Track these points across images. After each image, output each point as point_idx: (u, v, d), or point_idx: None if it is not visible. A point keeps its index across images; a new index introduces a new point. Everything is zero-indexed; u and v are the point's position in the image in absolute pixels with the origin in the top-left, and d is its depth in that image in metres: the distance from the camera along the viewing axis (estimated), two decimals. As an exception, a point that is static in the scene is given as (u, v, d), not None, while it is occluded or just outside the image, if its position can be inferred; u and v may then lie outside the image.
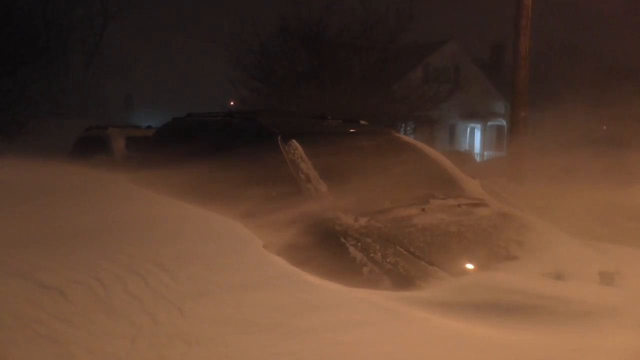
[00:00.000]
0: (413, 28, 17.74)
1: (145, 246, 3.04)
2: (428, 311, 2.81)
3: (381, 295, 3.00)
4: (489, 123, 29.06)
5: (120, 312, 2.46)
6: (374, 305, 2.78)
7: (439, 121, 20.22)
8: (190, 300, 2.59)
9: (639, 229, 5.96)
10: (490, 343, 2.48)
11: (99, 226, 3.36)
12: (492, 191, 4.81)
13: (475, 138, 29.68)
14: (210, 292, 2.69)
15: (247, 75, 18.39)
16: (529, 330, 2.65)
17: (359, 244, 3.55)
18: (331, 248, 3.55)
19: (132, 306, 2.51)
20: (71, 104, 22.78)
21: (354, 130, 5.29)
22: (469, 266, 3.57)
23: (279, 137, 4.39)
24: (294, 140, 4.35)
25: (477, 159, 24.03)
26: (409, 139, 5.76)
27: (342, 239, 3.59)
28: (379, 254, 3.48)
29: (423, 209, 4.03)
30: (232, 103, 22.63)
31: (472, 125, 29.38)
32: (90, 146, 8.95)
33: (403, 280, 3.33)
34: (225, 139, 4.90)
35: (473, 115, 27.12)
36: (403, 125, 18.73)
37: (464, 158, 16.31)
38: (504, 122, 26.26)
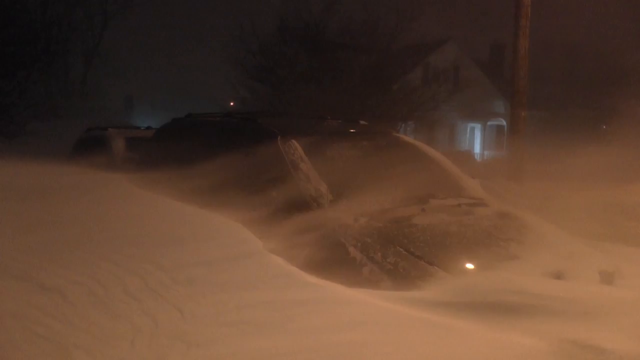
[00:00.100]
0: (413, 28, 17.75)
1: (144, 247, 3.04)
2: (428, 311, 2.81)
3: (381, 295, 3.00)
4: (489, 123, 29.08)
5: (120, 313, 2.46)
6: (374, 306, 2.78)
7: (439, 121, 20.23)
8: (190, 301, 2.59)
9: (639, 228, 5.95)
10: (491, 343, 2.48)
11: (98, 227, 3.36)
12: (492, 191, 4.81)
13: (475, 138, 29.70)
14: (210, 292, 2.69)
15: (247, 76, 18.40)
16: (528, 330, 2.65)
17: (359, 244, 3.55)
18: (331, 248, 3.55)
19: (132, 307, 2.50)
20: (71, 104, 22.78)
21: (354, 131, 5.29)
22: (469, 266, 3.57)
23: (279, 138, 4.39)
24: (293, 141, 4.35)
25: (477, 158, 24.03)
26: (409, 139, 5.75)
27: (342, 239, 3.59)
28: (379, 254, 3.47)
29: (423, 209, 4.03)
30: (231, 104, 22.62)
31: (472, 125, 29.40)
32: (90, 147, 8.94)
33: (403, 280, 3.33)
34: (225, 140, 4.90)
35: (473, 115, 27.13)
36: (403, 125, 18.73)
37: (464, 158, 16.31)
38: (503, 122, 26.29)
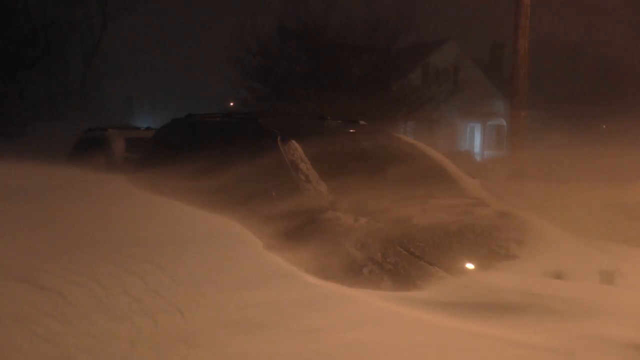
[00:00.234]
0: (413, 28, 17.74)
1: (144, 247, 3.04)
2: (428, 311, 2.81)
3: (381, 295, 3.00)
4: (489, 122, 29.06)
5: (120, 313, 2.46)
6: (374, 306, 2.78)
7: (439, 121, 20.21)
8: (190, 301, 2.59)
9: (639, 227, 5.95)
10: (490, 342, 2.48)
11: (98, 227, 3.36)
12: (492, 190, 4.81)
13: (475, 138, 29.69)
14: (210, 293, 2.69)
15: (247, 76, 18.40)
16: (529, 330, 2.65)
17: (359, 244, 3.54)
18: (331, 248, 3.54)
19: (132, 307, 2.51)
20: (71, 105, 22.78)
21: (354, 131, 5.29)
22: (469, 266, 3.56)
23: (279, 138, 4.39)
24: (293, 141, 4.35)
25: (477, 158, 24.02)
26: (409, 139, 5.75)
27: (342, 239, 3.59)
28: (379, 254, 3.47)
29: (423, 209, 4.03)
30: (231, 104, 22.62)
31: (472, 124, 29.38)
32: (89, 147, 8.94)
33: (403, 280, 3.32)
34: (225, 140, 4.90)
35: (473, 114, 27.11)
36: (403, 125, 18.72)
37: (464, 158, 16.30)
38: (503, 122, 26.27)
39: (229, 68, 18.47)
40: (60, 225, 3.40)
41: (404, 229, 3.73)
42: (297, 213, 3.82)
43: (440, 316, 2.76)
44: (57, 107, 19.61)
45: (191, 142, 5.21)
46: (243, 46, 17.84)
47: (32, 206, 3.81)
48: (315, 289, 2.84)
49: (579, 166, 8.75)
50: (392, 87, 17.85)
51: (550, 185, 7.69)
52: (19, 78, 16.46)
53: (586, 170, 8.34)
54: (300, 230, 3.71)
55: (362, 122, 5.53)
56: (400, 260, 3.45)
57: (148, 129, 9.27)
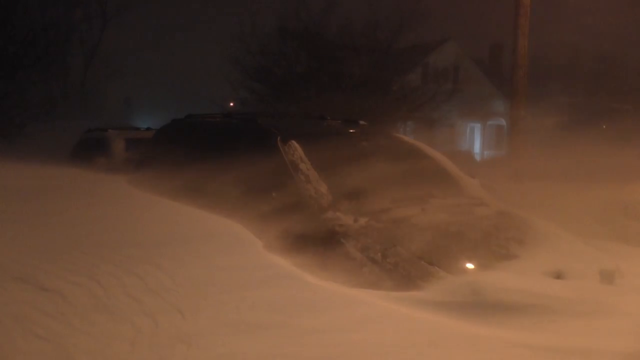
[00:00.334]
0: (413, 28, 17.73)
1: (144, 248, 3.04)
2: (428, 311, 2.81)
3: (382, 295, 3.00)
4: (489, 122, 29.06)
5: (120, 314, 2.47)
6: (374, 306, 2.78)
7: (439, 121, 20.19)
8: (190, 302, 2.59)
9: (639, 227, 5.95)
10: (491, 342, 2.48)
11: (98, 228, 3.36)
12: (492, 190, 4.80)
13: (475, 137, 29.68)
14: (210, 293, 2.69)
15: (246, 77, 18.38)
16: (529, 330, 2.65)
17: (359, 244, 3.54)
18: (331, 248, 3.54)
19: (132, 308, 2.51)
20: (70, 106, 22.78)
21: (354, 131, 5.29)
22: (469, 266, 3.56)
23: (279, 138, 4.39)
24: (293, 141, 4.35)
25: (477, 158, 24.01)
26: (409, 139, 5.75)
27: (342, 240, 3.59)
28: (379, 254, 3.47)
29: (423, 209, 4.03)
30: (231, 104, 22.62)
31: (472, 124, 29.38)
32: (90, 148, 8.95)
33: (403, 280, 3.32)
34: (225, 140, 4.90)
35: (473, 114, 27.09)
36: (403, 125, 18.72)
37: (464, 157, 16.30)
38: (503, 122, 26.27)
39: (229, 68, 18.46)
40: (60, 225, 3.40)
41: (404, 229, 3.73)
42: (297, 213, 3.82)
43: (441, 316, 2.76)
44: (57, 108, 19.59)
45: (191, 142, 5.21)
46: (243, 46, 17.84)
47: (32, 207, 3.81)
48: (315, 289, 2.85)
49: (578, 166, 8.74)
50: (392, 87, 17.84)
51: (550, 185, 7.68)
52: (19, 78, 16.45)
53: (586, 170, 8.33)
54: (300, 230, 3.71)
55: (362, 122, 5.53)
56: (401, 260, 3.45)
57: (148, 129, 9.28)
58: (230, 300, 2.64)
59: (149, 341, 2.31)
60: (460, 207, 4.18)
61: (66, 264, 2.78)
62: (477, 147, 28.85)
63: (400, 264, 3.42)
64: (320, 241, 3.60)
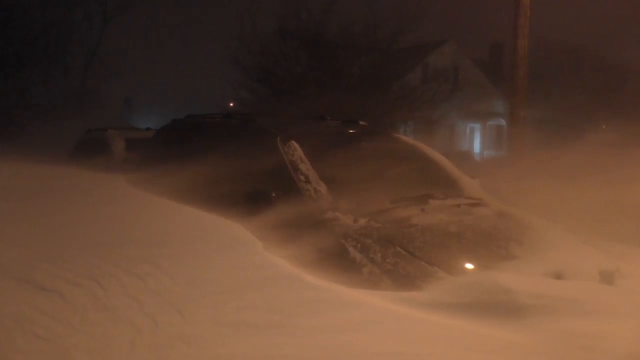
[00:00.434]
0: (413, 28, 17.75)
1: (144, 248, 3.04)
2: (428, 311, 2.81)
3: (381, 295, 3.00)
4: (489, 122, 29.06)
5: (119, 314, 2.46)
6: (373, 306, 2.78)
7: (439, 121, 20.22)
8: (190, 302, 2.59)
9: (639, 227, 5.95)
10: (490, 343, 2.48)
11: (97, 228, 3.36)
12: (491, 191, 4.81)
13: (474, 138, 29.69)
14: (210, 293, 2.69)
15: (246, 77, 18.40)
16: (528, 330, 2.65)
17: (359, 244, 3.55)
18: (331, 249, 3.55)
19: (132, 308, 2.51)
20: (70, 105, 22.76)
21: (353, 131, 5.29)
22: (469, 266, 3.57)
23: (278, 138, 4.39)
24: (292, 141, 4.35)
25: (477, 158, 24.02)
26: (408, 139, 5.75)
27: (342, 240, 3.59)
28: (379, 254, 3.47)
29: (422, 209, 4.03)
30: (231, 104, 22.61)
31: (472, 125, 29.39)
32: (90, 148, 8.96)
33: (403, 281, 3.33)
34: (224, 140, 4.90)
35: (472, 115, 27.12)
36: (403, 125, 18.73)
37: (464, 158, 16.31)
38: (503, 122, 26.26)
39: (229, 68, 18.49)
40: (60, 225, 3.40)
41: (404, 230, 3.74)
42: (297, 213, 3.82)
43: (440, 316, 2.76)
44: (56, 108, 19.58)
45: (191, 142, 5.22)
46: (243, 46, 17.86)
47: (32, 207, 3.81)
48: (314, 290, 2.84)
49: (578, 166, 8.74)
50: (391, 87, 17.85)
51: (549, 185, 7.68)
52: (19, 78, 16.46)
53: (586, 170, 8.33)
54: (300, 230, 3.71)
55: (361, 123, 5.53)
56: (400, 260, 3.45)
57: (148, 129, 9.28)
58: (230, 301, 2.64)
59: (149, 341, 2.31)
60: (460, 208, 4.19)
61: (66, 264, 2.78)
62: (476, 147, 28.86)
63: (400, 264, 3.43)
64: (319, 241, 3.61)
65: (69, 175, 5.41)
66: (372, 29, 17.32)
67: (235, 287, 2.76)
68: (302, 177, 4.06)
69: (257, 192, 3.97)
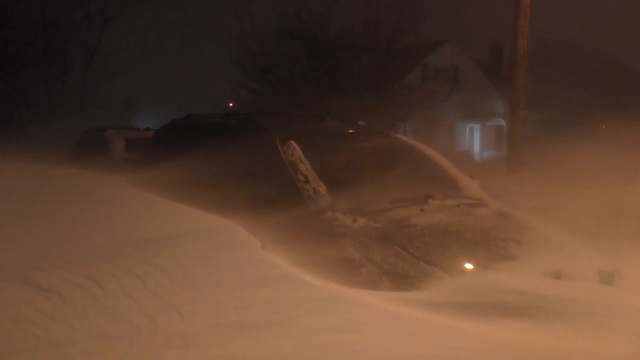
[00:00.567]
0: (413, 28, 17.75)
1: (143, 248, 3.04)
2: (427, 311, 2.81)
3: (380, 295, 3.00)
4: (488, 123, 29.05)
5: (118, 313, 2.46)
6: (373, 306, 2.78)
7: (438, 121, 20.21)
8: (189, 302, 2.59)
9: (638, 228, 5.95)
10: (489, 343, 2.48)
11: (96, 228, 3.36)
12: (491, 191, 4.81)
13: (474, 138, 29.69)
14: (209, 293, 2.69)
15: (246, 77, 18.41)
16: (527, 330, 2.65)
17: (358, 244, 3.55)
18: (330, 249, 3.55)
19: (131, 308, 2.51)
20: (70, 106, 22.76)
21: (353, 131, 5.29)
22: (468, 266, 3.57)
23: (277, 138, 4.39)
24: (292, 141, 4.35)
25: (477, 158, 24.02)
26: (408, 139, 5.75)
27: (341, 240, 3.59)
28: (378, 254, 3.47)
29: (422, 210, 4.03)
30: (231, 104, 22.61)
31: (472, 125, 29.38)
32: (89, 148, 8.97)
33: (402, 281, 3.33)
34: (224, 140, 4.90)
35: (472, 115, 27.11)
36: (402, 125, 18.73)
37: (463, 158, 16.31)
38: (503, 122, 26.26)
39: (229, 68, 18.50)
40: (59, 225, 3.40)
41: (403, 230, 3.74)
42: (296, 213, 3.82)
43: (439, 316, 2.76)
44: (56, 108, 19.59)
45: (190, 142, 5.21)
46: (243, 46, 17.87)
47: (31, 206, 3.81)
48: (313, 290, 2.84)
49: (578, 166, 8.74)
50: (391, 87, 17.86)
51: (549, 185, 7.68)
52: (19, 78, 16.47)
53: (585, 170, 8.33)
54: (299, 230, 3.71)
55: (361, 123, 5.53)
56: (399, 260, 3.45)
57: (147, 129, 9.29)
58: (229, 301, 2.64)
59: (148, 341, 2.31)
60: (459, 208, 4.19)
61: (65, 264, 2.77)
62: (476, 147, 28.85)
63: (399, 264, 3.43)
64: (318, 241, 3.61)
65: (68, 175, 5.40)
66: (372, 28, 17.32)
67: (234, 287, 2.76)
68: (301, 177, 4.06)
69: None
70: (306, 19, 17.44)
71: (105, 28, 26.44)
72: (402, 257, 3.46)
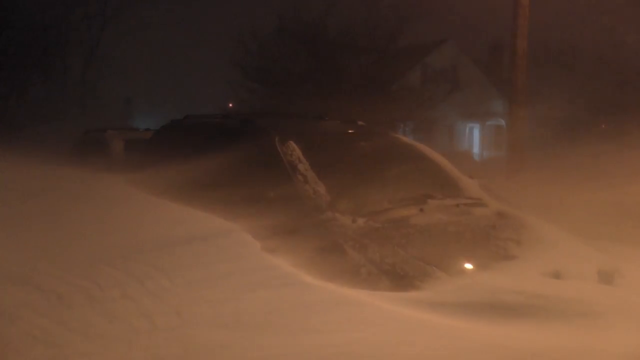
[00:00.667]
0: (412, 28, 17.75)
1: (142, 249, 3.04)
2: (426, 311, 2.81)
3: (379, 296, 3.00)
4: (488, 123, 29.03)
5: (117, 315, 2.46)
6: (372, 306, 2.77)
7: (438, 121, 20.21)
8: (188, 303, 2.59)
9: (638, 227, 5.95)
10: (489, 343, 2.48)
11: (95, 229, 3.36)
12: (490, 191, 4.80)
13: (474, 138, 29.68)
14: (208, 294, 2.69)
15: (245, 77, 18.41)
16: (527, 330, 2.65)
17: (357, 244, 3.54)
18: (329, 249, 3.54)
19: (130, 309, 2.50)
20: (70, 106, 22.75)
21: (352, 131, 5.29)
22: (468, 266, 3.56)
23: (276, 139, 4.39)
24: (291, 142, 4.34)
25: (476, 158, 24.02)
26: (407, 139, 5.75)
27: (340, 240, 3.58)
28: (377, 254, 3.47)
29: (421, 210, 4.02)
30: (230, 105, 22.61)
31: (471, 125, 29.37)
32: (88, 149, 8.97)
33: (401, 281, 3.32)
34: (223, 141, 4.89)
35: (472, 114, 27.08)
36: (402, 125, 18.73)
37: (463, 158, 16.31)
38: (502, 122, 26.25)
39: (228, 69, 18.52)
40: (58, 226, 3.40)
41: (402, 230, 3.73)
42: (295, 214, 3.81)
43: (439, 317, 2.76)
44: (56, 109, 19.58)
45: (190, 143, 5.21)
46: (242, 47, 17.87)
47: (30, 207, 3.81)
48: (313, 290, 2.84)
49: (578, 166, 8.75)
50: (391, 87, 17.86)
51: (549, 185, 7.69)
52: (18, 80, 16.47)
53: (585, 170, 8.33)
54: (298, 231, 3.70)
55: (360, 123, 5.52)
56: (398, 260, 3.45)
57: (147, 130, 9.28)
58: (228, 301, 2.64)
59: (146, 342, 2.31)
60: (459, 208, 4.18)
61: (63, 264, 2.78)
62: (476, 147, 28.84)
63: (398, 264, 3.42)
64: (318, 242, 3.60)
65: (67, 175, 5.40)
66: (371, 28, 17.33)
67: (233, 288, 2.76)
68: (300, 177, 4.05)
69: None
70: (305, 18, 17.45)
71: (105, 28, 26.45)
72: (401, 257, 3.46)
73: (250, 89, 18.79)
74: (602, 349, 2.48)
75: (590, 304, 2.91)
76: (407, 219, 3.88)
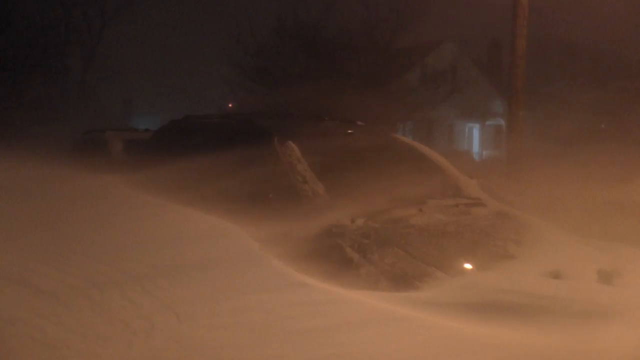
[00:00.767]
0: (411, 28, 17.76)
1: (141, 249, 3.04)
2: (426, 311, 2.80)
3: (379, 296, 2.99)
4: (487, 122, 29.04)
5: (116, 316, 2.46)
6: (371, 306, 2.77)
7: (437, 121, 20.23)
8: (186, 304, 2.58)
9: (638, 227, 5.95)
10: (488, 343, 2.47)
11: (94, 229, 3.36)
12: (489, 191, 4.80)
13: (473, 138, 29.68)
14: (207, 295, 2.68)
15: (245, 77, 18.42)
16: (527, 330, 2.64)
17: (356, 245, 3.54)
18: (328, 249, 3.54)
19: (128, 310, 2.50)
20: (69, 107, 22.75)
21: (351, 131, 5.28)
22: (467, 266, 3.56)
23: (276, 139, 4.39)
24: (290, 142, 4.34)
25: (476, 158, 24.02)
26: (406, 139, 5.75)
27: (339, 240, 3.58)
28: (376, 255, 3.46)
29: (420, 210, 4.02)
30: (230, 105, 22.60)
31: (471, 124, 29.37)
32: (88, 149, 8.96)
33: (401, 281, 3.32)
34: (222, 141, 4.89)
35: (471, 114, 27.09)
36: (401, 125, 18.73)
37: (463, 158, 16.31)
38: (502, 122, 26.25)
39: (228, 69, 18.52)
40: (57, 227, 3.40)
41: (402, 230, 3.73)
42: (294, 214, 3.81)
43: (438, 317, 2.75)
44: (55, 110, 19.58)
45: (189, 143, 5.21)
46: (241, 47, 17.89)
47: (29, 208, 3.80)
48: (312, 291, 2.84)
49: (577, 166, 8.75)
50: (390, 87, 17.86)
51: (548, 185, 7.69)
52: (18, 81, 16.46)
53: (585, 169, 8.33)
54: (298, 231, 3.70)
55: (359, 123, 5.52)
56: (398, 261, 3.44)
57: (146, 130, 9.28)
58: (227, 302, 2.63)
59: (145, 343, 2.30)
60: (458, 208, 4.18)
61: (62, 265, 2.77)
62: (475, 147, 28.85)
63: (398, 264, 3.42)
64: (317, 242, 3.60)
65: (66, 176, 5.40)
66: (370, 28, 17.34)
67: (231, 289, 2.75)
68: (299, 178, 4.05)
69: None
70: (304, 18, 17.46)
71: (104, 29, 26.44)
72: (400, 258, 3.46)
73: (250, 89, 18.79)
74: (602, 349, 2.47)
75: (590, 304, 2.91)
76: (406, 219, 3.88)
